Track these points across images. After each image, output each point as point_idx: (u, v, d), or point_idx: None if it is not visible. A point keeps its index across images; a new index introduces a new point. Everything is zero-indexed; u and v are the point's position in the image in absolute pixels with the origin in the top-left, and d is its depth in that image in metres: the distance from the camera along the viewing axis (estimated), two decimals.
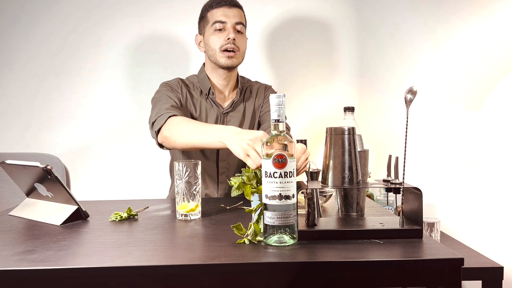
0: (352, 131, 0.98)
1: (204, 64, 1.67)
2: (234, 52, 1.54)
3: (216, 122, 1.61)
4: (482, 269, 1.45)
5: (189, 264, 0.83)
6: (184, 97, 1.60)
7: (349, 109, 1.19)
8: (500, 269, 1.44)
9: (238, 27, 1.55)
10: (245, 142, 1.12)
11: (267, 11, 2.06)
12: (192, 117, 1.59)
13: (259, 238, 0.94)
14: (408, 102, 0.94)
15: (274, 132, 0.93)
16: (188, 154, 1.61)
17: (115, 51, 2.05)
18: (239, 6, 1.58)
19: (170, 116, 1.43)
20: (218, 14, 1.54)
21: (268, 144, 0.91)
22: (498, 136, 2.02)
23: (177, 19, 2.04)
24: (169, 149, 1.54)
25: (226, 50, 1.53)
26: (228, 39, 1.52)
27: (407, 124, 0.94)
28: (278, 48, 2.07)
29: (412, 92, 0.94)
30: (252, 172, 1.05)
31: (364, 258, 0.83)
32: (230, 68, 1.58)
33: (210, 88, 1.61)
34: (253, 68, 2.06)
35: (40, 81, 2.05)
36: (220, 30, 1.54)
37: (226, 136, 1.21)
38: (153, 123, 1.47)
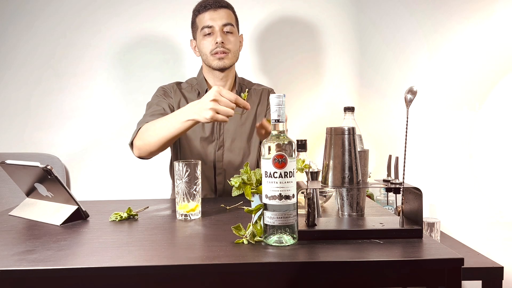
0: (352, 131, 0.98)
1: (202, 66, 1.67)
2: (225, 53, 1.54)
3: (213, 125, 1.62)
4: (482, 269, 1.45)
5: (189, 264, 0.83)
6: (177, 102, 1.61)
7: (349, 109, 1.19)
8: (500, 269, 1.44)
9: (226, 28, 1.55)
10: (207, 103, 1.20)
11: (268, 15, 2.06)
12: None
13: (257, 238, 0.94)
14: (408, 102, 0.94)
15: (274, 132, 0.93)
16: (186, 156, 1.61)
17: (114, 51, 2.06)
18: (225, 6, 1.57)
19: (140, 128, 1.45)
20: (205, 18, 1.54)
21: (268, 144, 0.91)
22: (498, 136, 2.03)
23: (176, 20, 2.04)
24: (148, 158, 1.49)
25: (216, 53, 1.54)
26: (217, 43, 1.53)
27: (407, 124, 0.94)
28: (279, 50, 2.07)
29: (412, 92, 0.94)
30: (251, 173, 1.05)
31: (364, 258, 0.83)
32: (223, 69, 1.59)
33: (206, 90, 1.61)
34: (254, 68, 2.07)
35: (39, 81, 2.05)
36: (209, 34, 1.54)
37: (190, 112, 1.27)
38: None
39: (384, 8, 2.05)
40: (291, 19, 2.07)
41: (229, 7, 1.58)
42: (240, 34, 1.63)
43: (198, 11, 1.57)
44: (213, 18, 1.53)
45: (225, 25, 1.54)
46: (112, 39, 2.05)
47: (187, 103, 1.61)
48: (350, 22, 2.06)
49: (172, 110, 1.58)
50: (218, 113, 1.21)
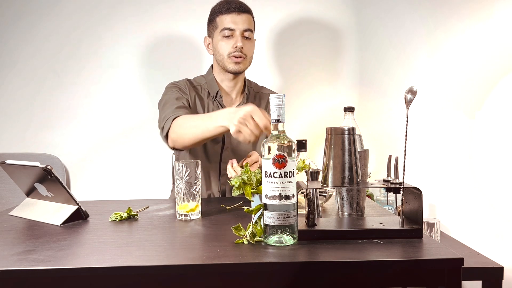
0: (352, 131, 0.98)
1: (212, 66, 1.67)
2: (242, 58, 1.55)
3: None
4: (482, 269, 1.45)
5: (189, 264, 0.83)
6: (193, 99, 1.60)
7: (349, 109, 1.19)
8: (500, 269, 1.44)
9: (246, 33, 1.55)
10: (236, 119, 1.18)
11: (269, 14, 2.06)
12: None
13: (257, 238, 0.94)
14: (408, 102, 0.94)
15: (274, 132, 0.93)
16: (191, 156, 1.61)
17: (115, 51, 2.06)
18: (248, 11, 1.57)
19: (174, 119, 1.43)
20: (227, 20, 1.54)
21: (268, 144, 0.91)
22: (498, 136, 2.02)
23: (178, 18, 2.04)
24: (183, 150, 1.52)
25: (234, 57, 1.54)
26: (236, 47, 1.53)
27: (407, 124, 0.94)
28: (279, 50, 2.07)
29: (412, 92, 0.94)
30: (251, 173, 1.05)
31: (364, 258, 0.83)
32: (237, 73, 1.59)
33: (218, 91, 1.61)
34: (255, 68, 2.06)
35: (41, 81, 2.05)
36: (228, 36, 1.54)
37: (223, 119, 1.26)
38: (162, 129, 1.48)
39: (386, 6, 2.04)
40: (290, 17, 2.07)
41: (250, 12, 1.58)
42: (254, 40, 1.64)
43: (220, 11, 1.56)
44: (236, 22, 1.53)
45: (246, 30, 1.55)
46: (114, 39, 2.05)
47: (201, 102, 1.61)
48: (351, 21, 2.06)
49: (190, 106, 1.57)
50: (241, 132, 1.20)
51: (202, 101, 1.62)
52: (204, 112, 1.60)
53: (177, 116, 1.44)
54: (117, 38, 2.05)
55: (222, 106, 1.62)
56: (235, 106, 1.64)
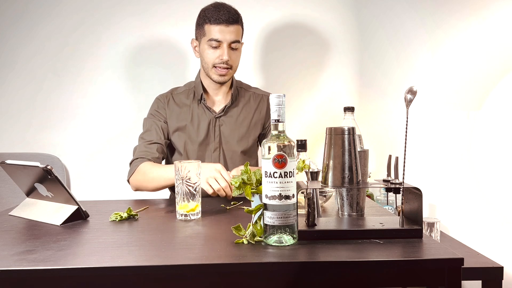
0: (352, 131, 0.98)
1: (200, 69, 1.67)
2: (227, 69, 1.56)
3: (208, 127, 1.62)
4: (482, 269, 1.45)
5: (189, 264, 0.83)
6: (170, 111, 1.63)
7: (349, 109, 1.19)
8: (500, 269, 1.44)
9: (233, 45, 1.55)
10: (207, 178, 1.34)
11: (268, 13, 2.06)
12: (184, 126, 1.62)
13: (257, 238, 0.94)
14: (408, 102, 0.94)
15: (274, 132, 0.93)
16: (182, 159, 1.62)
17: (115, 51, 2.06)
18: (237, 22, 1.55)
19: (139, 164, 1.53)
20: (215, 31, 1.53)
21: (268, 144, 0.91)
22: (498, 136, 2.02)
23: (177, 19, 2.04)
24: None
25: (219, 68, 1.55)
26: (222, 59, 1.54)
27: (407, 124, 0.94)
28: (279, 50, 2.07)
29: (412, 92, 0.94)
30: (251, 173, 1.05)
31: (364, 258, 0.83)
32: (221, 83, 1.61)
33: (201, 95, 1.62)
34: (253, 67, 2.07)
35: (41, 81, 2.05)
36: (215, 47, 1.54)
37: None
38: (131, 163, 1.58)
39: (385, 6, 2.04)
40: (290, 16, 2.07)
41: (239, 21, 1.57)
42: (241, 43, 1.64)
43: (209, 20, 1.54)
44: (223, 34, 1.53)
45: (233, 42, 1.54)
46: (114, 39, 2.05)
47: (183, 109, 1.63)
48: (351, 20, 2.06)
49: (166, 124, 1.62)
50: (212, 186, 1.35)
51: (186, 107, 1.63)
52: (187, 118, 1.63)
53: (143, 160, 1.53)
54: (116, 38, 2.05)
55: (207, 108, 1.63)
56: (220, 107, 1.65)
